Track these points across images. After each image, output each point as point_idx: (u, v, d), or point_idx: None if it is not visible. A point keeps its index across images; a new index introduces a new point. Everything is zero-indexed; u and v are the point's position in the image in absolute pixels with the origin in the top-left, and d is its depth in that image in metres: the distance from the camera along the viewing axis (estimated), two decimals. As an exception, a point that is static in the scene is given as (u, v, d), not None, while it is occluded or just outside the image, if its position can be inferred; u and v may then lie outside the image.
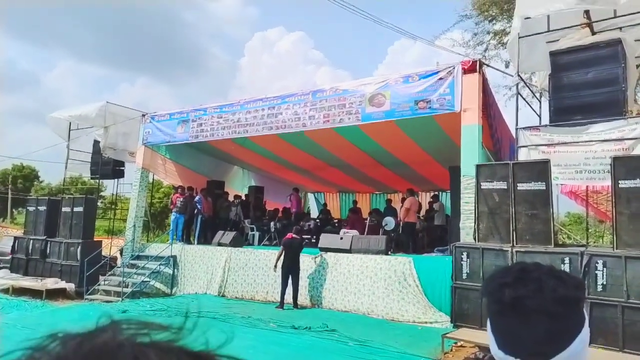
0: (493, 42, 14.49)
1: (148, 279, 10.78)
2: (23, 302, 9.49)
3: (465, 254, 6.96)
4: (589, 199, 11.67)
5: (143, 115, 12.59)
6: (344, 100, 9.26)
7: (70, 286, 10.80)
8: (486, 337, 0.85)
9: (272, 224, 12.65)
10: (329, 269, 9.05)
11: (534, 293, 0.76)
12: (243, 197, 14.38)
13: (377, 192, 17.14)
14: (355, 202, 15.79)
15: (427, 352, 5.94)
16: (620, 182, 5.98)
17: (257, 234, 12.37)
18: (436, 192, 13.86)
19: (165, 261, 11.02)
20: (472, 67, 8.02)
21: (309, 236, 11.75)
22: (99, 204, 16.69)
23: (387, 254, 8.76)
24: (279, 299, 8.87)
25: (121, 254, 12.17)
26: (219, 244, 10.82)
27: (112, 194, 15.73)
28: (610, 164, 6.09)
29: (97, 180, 14.83)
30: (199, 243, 11.82)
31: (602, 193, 10.69)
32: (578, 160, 6.85)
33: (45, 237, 12.14)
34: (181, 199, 12.12)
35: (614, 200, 6.06)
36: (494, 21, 14.10)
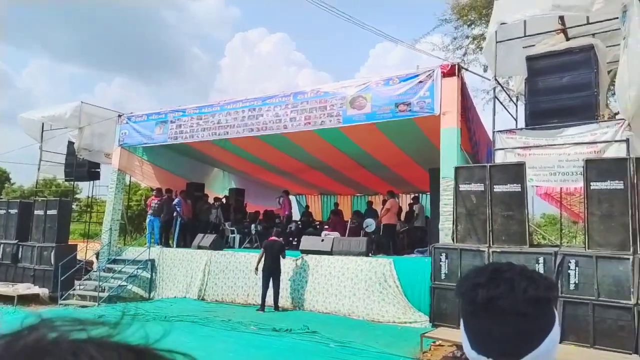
0: (472, 47, 14.77)
1: (125, 283, 10.57)
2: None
3: (444, 254, 7.06)
4: (562, 201, 11.99)
5: (119, 116, 12.37)
6: (325, 103, 9.30)
7: (44, 291, 10.50)
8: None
9: (252, 226, 12.58)
10: (310, 271, 9.05)
11: (507, 294, 0.77)
12: (223, 200, 14.25)
13: (358, 194, 17.24)
14: (336, 204, 15.85)
15: (406, 352, 6.01)
16: (591, 184, 6.17)
17: (237, 236, 12.27)
18: (416, 194, 14.03)
19: (143, 265, 10.82)
20: (451, 71, 8.16)
21: (290, 238, 11.73)
22: (74, 206, 16.32)
23: (367, 255, 8.82)
24: (259, 302, 8.82)
25: (97, 257, 11.90)
26: (199, 247, 10.70)
27: (88, 197, 15.39)
28: (583, 167, 6.27)
29: (72, 183, 14.47)
30: (178, 246, 11.66)
31: (575, 195, 11.01)
32: (552, 162, 7.04)
33: (16, 241, 11.78)
34: (156, 201, 11.96)
35: (585, 201, 6.25)
36: (473, 26, 14.37)
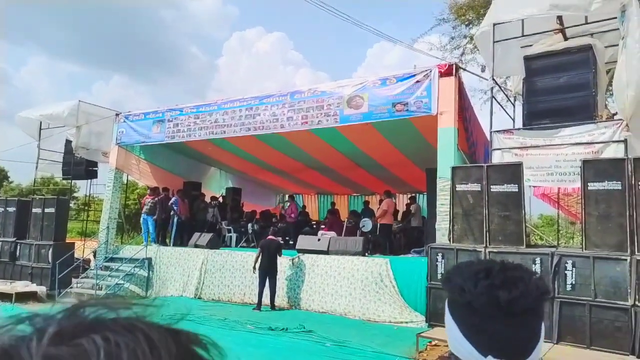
0: (469, 46, 14.73)
1: (122, 282, 10.56)
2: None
3: (440, 254, 7.05)
4: (560, 201, 11.99)
5: (117, 115, 12.35)
6: (322, 102, 9.28)
7: (42, 289, 10.49)
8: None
9: (249, 225, 12.56)
10: (307, 271, 9.04)
11: (526, 293, 0.76)
12: (220, 199, 14.23)
13: (355, 194, 17.22)
14: (333, 203, 15.81)
15: (402, 352, 6.00)
16: (589, 184, 6.15)
17: (234, 235, 12.26)
18: (413, 194, 14.01)
19: (140, 263, 10.81)
20: (448, 71, 8.14)
21: (287, 238, 11.72)
22: (71, 205, 16.25)
23: (364, 255, 8.80)
24: (256, 301, 8.81)
25: (94, 256, 11.90)
26: (196, 246, 10.69)
27: (85, 195, 15.37)
28: (580, 167, 6.26)
29: (70, 181, 14.44)
30: (175, 245, 11.64)
31: (572, 195, 11.00)
32: (549, 162, 7.02)
33: (14, 238, 11.77)
34: (149, 200, 11.95)
35: (583, 202, 6.23)
36: (471, 25, 14.33)
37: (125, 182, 14.10)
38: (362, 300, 8.22)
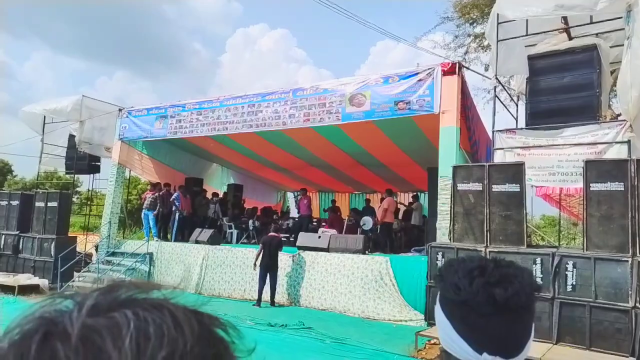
0: (473, 45, 14.68)
1: (123, 276, 10.59)
2: (-6, 298, 9.26)
3: (440, 253, 7.03)
4: (562, 202, 11.93)
5: (120, 110, 12.38)
6: (324, 100, 9.26)
7: (44, 282, 10.56)
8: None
9: (250, 222, 12.58)
10: (307, 268, 9.05)
11: (521, 290, 0.77)
12: (221, 195, 14.26)
13: (356, 192, 17.21)
14: (334, 201, 15.80)
15: (401, 350, 6.01)
16: (591, 185, 6.11)
17: (235, 232, 12.29)
18: (415, 193, 13.99)
19: (141, 258, 10.86)
20: (451, 69, 8.10)
21: (288, 235, 11.73)
22: (74, 199, 16.37)
23: (364, 253, 8.80)
24: (256, 297, 8.83)
25: (96, 250, 11.96)
26: (197, 242, 10.73)
27: (88, 190, 15.42)
28: (583, 167, 6.22)
29: (73, 175, 14.49)
30: (176, 240, 11.69)
31: (575, 196, 10.95)
32: (552, 163, 6.99)
33: (18, 232, 11.85)
34: (150, 195, 11.98)
35: (585, 202, 6.20)
36: (475, 24, 14.26)
37: (128, 177, 14.16)
38: (361, 298, 8.22)
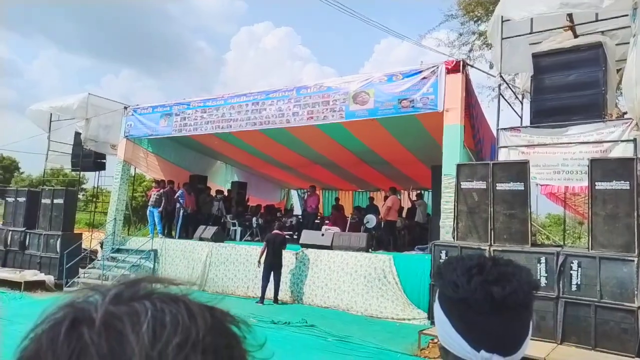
0: (478, 43, 14.60)
1: (128, 273, 10.65)
2: (1, 294, 9.35)
3: (444, 252, 7.01)
4: (568, 201, 11.86)
5: (125, 108, 12.44)
6: (327, 98, 9.25)
7: (50, 278, 10.64)
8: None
9: (254, 219, 12.61)
10: (310, 265, 9.06)
11: (519, 288, 0.77)
12: (225, 193, 14.29)
13: (359, 190, 17.19)
14: (337, 199, 15.80)
15: (404, 348, 6.01)
16: (596, 183, 6.07)
17: (239, 229, 12.32)
18: (420, 191, 13.95)
19: (146, 255, 10.92)
20: (455, 67, 8.06)
21: (291, 232, 11.74)
22: (80, 196, 16.41)
23: (367, 251, 8.80)
24: (259, 294, 8.85)
25: (102, 247, 12.04)
26: (201, 239, 10.76)
27: (94, 187, 15.51)
28: (588, 166, 6.17)
29: (78, 173, 14.58)
30: (180, 237, 11.73)
31: (580, 195, 10.88)
32: (556, 161, 6.94)
33: (24, 228, 11.93)
34: (155, 192, 12.04)
35: (590, 201, 6.15)
36: (479, 22, 14.18)
37: (133, 174, 14.23)
38: (364, 296, 8.22)
